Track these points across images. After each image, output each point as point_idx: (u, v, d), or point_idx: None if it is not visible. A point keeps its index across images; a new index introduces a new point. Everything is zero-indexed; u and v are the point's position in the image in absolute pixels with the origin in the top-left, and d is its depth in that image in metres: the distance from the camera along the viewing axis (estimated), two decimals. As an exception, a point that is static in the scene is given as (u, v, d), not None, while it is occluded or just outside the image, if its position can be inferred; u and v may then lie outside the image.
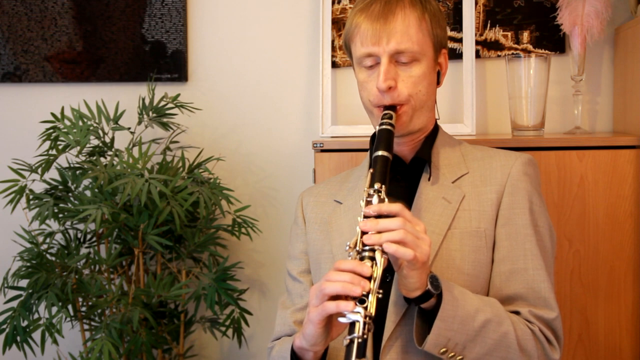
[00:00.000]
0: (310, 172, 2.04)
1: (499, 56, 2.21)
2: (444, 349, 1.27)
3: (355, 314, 1.18)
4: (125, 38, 2.32)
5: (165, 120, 2.18)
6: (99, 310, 2.09)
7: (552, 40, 2.20)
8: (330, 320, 1.25)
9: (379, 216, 1.25)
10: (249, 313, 2.17)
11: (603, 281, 1.91)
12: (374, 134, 1.51)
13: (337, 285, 1.20)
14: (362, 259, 1.22)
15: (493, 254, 1.41)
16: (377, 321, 1.36)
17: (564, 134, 2.11)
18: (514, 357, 1.31)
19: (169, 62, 2.31)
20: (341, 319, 1.20)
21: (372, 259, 1.22)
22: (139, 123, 2.17)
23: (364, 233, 1.24)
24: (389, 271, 1.31)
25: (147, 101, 2.16)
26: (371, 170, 1.32)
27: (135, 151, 2.10)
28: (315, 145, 1.98)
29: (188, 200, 2.00)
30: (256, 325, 2.33)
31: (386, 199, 1.28)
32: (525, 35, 2.21)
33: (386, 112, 1.40)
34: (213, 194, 2.06)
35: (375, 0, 1.42)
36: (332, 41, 2.24)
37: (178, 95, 2.19)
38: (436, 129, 1.53)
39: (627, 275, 1.91)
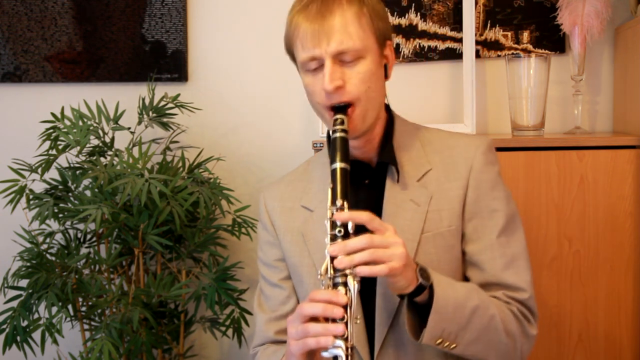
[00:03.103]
0: (310, 172, 2.04)
1: (499, 56, 2.21)
2: (439, 340, 1.28)
3: (337, 349, 1.18)
4: (125, 38, 2.32)
5: (165, 120, 2.18)
6: (99, 310, 2.09)
7: (552, 40, 2.20)
8: (312, 351, 1.24)
9: (346, 235, 1.23)
10: (249, 313, 2.17)
11: (603, 281, 1.92)
12: (329, 132, 1.48)
13: (318, 327, 1.19)
14: (335, 285, 1.21)
15: (462, 246, 1.42)
16: (368, 331, 1.39)
17: (564, 134, 2.11)
18: (500, 339, 1.34)
19: (169, 62, 2.31)
20: (324, 353, 1.20)
21: (345, 284, 1.21)
22: (139, 123, 2.17)
23: (333, 257, 1.22)
24: (372, 281, 1.33)
25: (147, 101, 2.16)
26: (331, 186, 1.28)
27: (135, 151, 2.10)
28: (315, 145, 1.98)
29: (188, 200, 2.00)
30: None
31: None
32: (525, 35, 2.21)
33: (337, 117, 1.35)
34: (213, 194, 2.06)
35: (312, 1, 1.36)
36: (332, 41, 2.23)
37: (178, 95, 2.19)
38: (391, 120, 1.48)
39: (627, 275, 1.91)
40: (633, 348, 1.92)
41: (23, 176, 2.08)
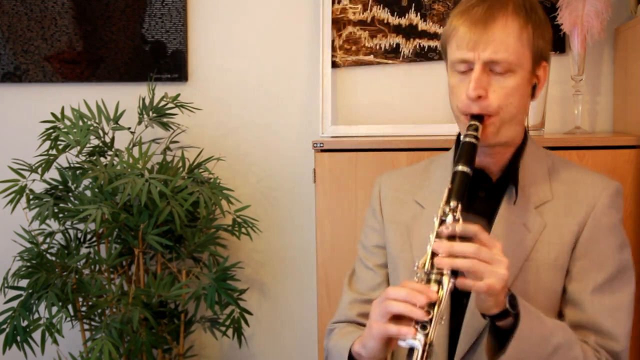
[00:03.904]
0: (310, 172, 2.04)
1: (499, 56, 2.21)
2: None
3: (415, 340, 1.17)
4: (125, 38, 2.32)
5: (165, 120, 2.18)
6: (99, 310, 2.09)
7: (552, 40, 2.19)
8: (390, 338, 1.24)
9: (452, 236, 1.22)
10: (249, 313, 2.17)
11: (603, 281, 1.91)
12: (459, 134, 1.47)
13: (401, 306, 1.19)
14: (428, 280, 1.21)
15: (565, 283, 1.39)
16: (450, 344, 1.38)
17: (564, 134, 2.11)
18: None
19: (169, 62, 2.31)
20: (401, 343, 1.19)
21: (439, 282, 1.20)
22: (139, 123, 2.17)
23: (434, 253, 1.22)
24: (465, 294, 1.31)
25: (147, 101, 2.16)
26: (449, 187, 1.27)
27: (136, 151, 2.10)
28: (315, 145, 1.98)
29: (188, 200, 2.00)
30: (256, 325, 2.33)
31: (461, 219, 1.24)
32: (525, 35, 2.21)
33: (472, 123, 1.34)
34: (213, 194, 2.06)
35: (478, 3, 1.35)
36: (332, 41, 2.24)
37: (178, 95, 2.19)
38: (525, 142, 1.45)
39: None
40: (633, 348, 1.91)
41: (23, 176, 2.08)
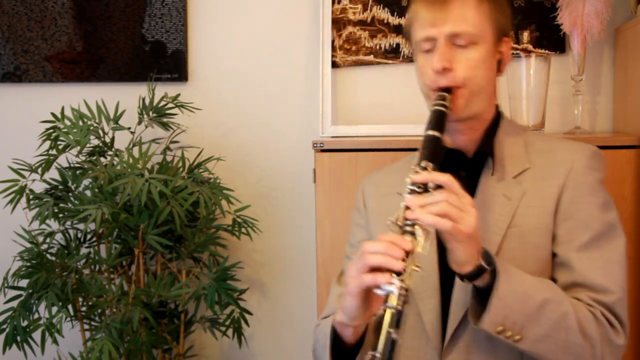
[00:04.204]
0: (310, 172, 2.04)
1: (499, 56, 2.21)
2: (501, 328, 1.25)
3: (391, 285, 1.18)
4: (125, 38, 2.32)
5: (165, 120, 2.18)
6: (99, 310, 2.09)
7: (552, 40, 2.20)
8: (369, 295, 1.24)
9: (425, 191, 1.25)
10: (249, 313, 2.17)
11: (603, 281, 1.91)
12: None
13: (378, 257, 1.20)
14: (403, 233, 1.23)
15: (553, 247, 1.39)
16: (443, 318, 1.39)
17: (564, 134, 2.11)
18: (574, 340, 1.28)
19: (169, 62, 2.31)
20: (377, 290, 1.20)
21: (413, 233, 1.22)
22: (139, 123, 2.17)
23: (407, 208, 1.24)
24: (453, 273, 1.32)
25: (147, 101, 2.16)
26: (421, 150, 1.31)
27: (136, 151, 2.10)
28: (315, 145, 1.98)
29: (188, 200, 2.00)
30: (256, 325, 2.33)
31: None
32: (525, 35, 2.21)
33: (441, 94, 1.38)
34: (213, 194, 2.06)
35: None
36: (332, 41, 2.24)
37: (178, 95, 2.19)
38: (498, 118, 1.49)
39: (627, 276, 1.90)
40: (633, 348, 1.91)
41: (23, 176, 2.08)
